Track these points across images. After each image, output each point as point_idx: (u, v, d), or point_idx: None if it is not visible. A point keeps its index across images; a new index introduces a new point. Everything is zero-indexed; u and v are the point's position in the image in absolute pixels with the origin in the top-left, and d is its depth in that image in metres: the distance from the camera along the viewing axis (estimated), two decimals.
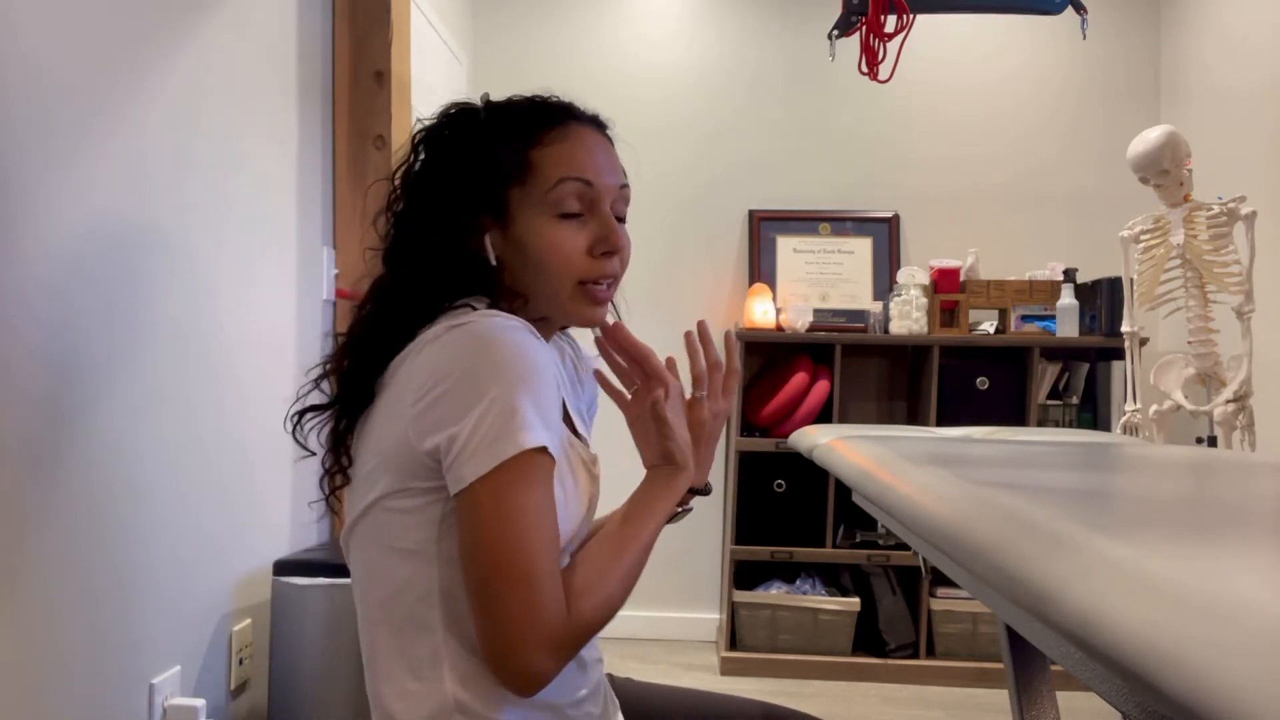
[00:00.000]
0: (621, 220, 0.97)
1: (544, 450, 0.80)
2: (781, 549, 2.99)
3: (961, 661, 2.92)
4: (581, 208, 0.93)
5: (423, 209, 0.94)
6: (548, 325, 0.98)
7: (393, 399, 0.86)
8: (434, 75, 2.86)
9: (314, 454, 0.98)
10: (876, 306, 3.17)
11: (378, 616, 0.90)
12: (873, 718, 2.63)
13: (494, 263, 0.93)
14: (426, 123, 0.98)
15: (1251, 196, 2.25)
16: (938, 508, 0.73)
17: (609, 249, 0.93)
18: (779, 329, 3.05)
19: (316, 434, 0.98)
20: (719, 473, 3.29)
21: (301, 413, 0.97)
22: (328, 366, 0.97)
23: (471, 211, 0.92)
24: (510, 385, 0.79)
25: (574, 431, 0.98)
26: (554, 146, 0.93)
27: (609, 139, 0.98)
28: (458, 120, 0.96)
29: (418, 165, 0.96)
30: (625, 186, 0.97)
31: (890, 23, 2.15)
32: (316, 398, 0.97)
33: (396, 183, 0.97)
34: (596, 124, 0.98)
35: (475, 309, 0.88)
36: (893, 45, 2.16)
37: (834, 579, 3.11)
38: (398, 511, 0.86)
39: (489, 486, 0.78)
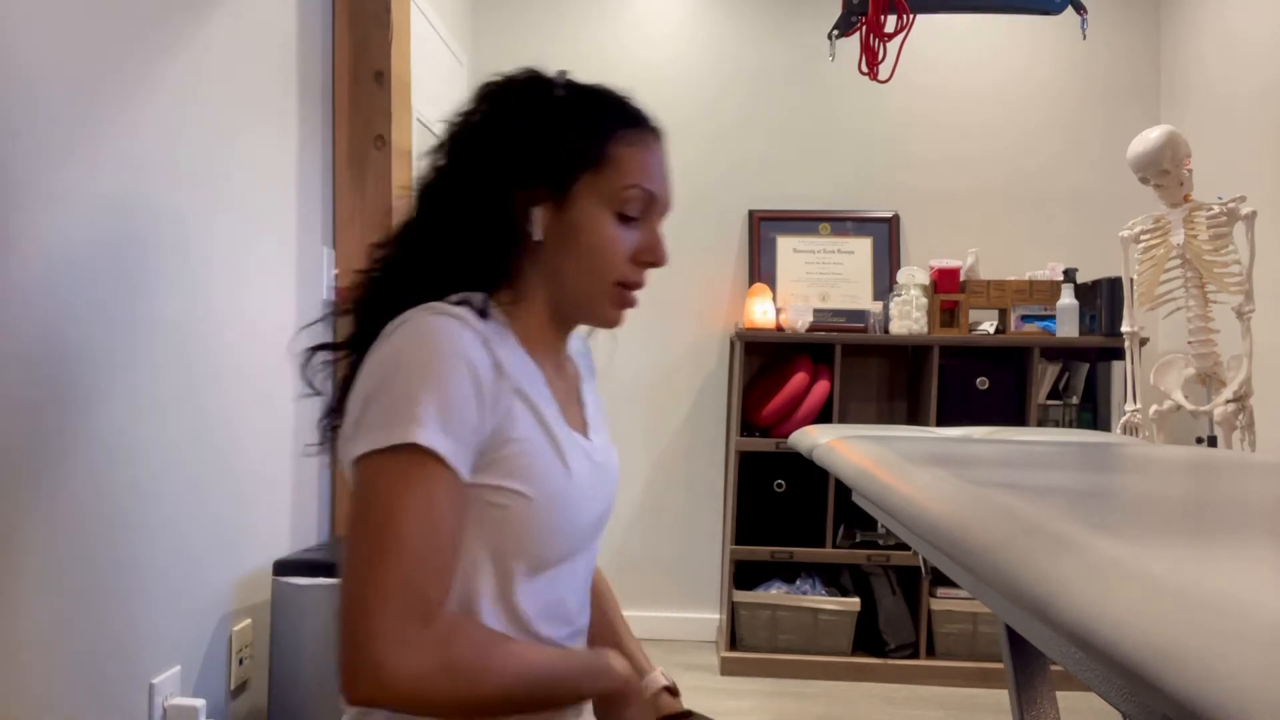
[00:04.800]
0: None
1: (432, 453, 0.77)
2: (781, 549, 2.99)
3: (961, 661, 2.92)
4: (637, 214, 0.94)
5: (477, 164, 0.91)
6: (561, 321, 0.98)
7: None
8: (434, 75, 2.86)
9: (320, 394, 0.95)
10: (876, 306, 3.17)
11: None
12: (873, 718, 2.63)
13: (537, 238, 0.92)
14: (496, 79, 0.96)
15: (1251, 196, 2.25)
16: (938, 508, 0.73)
17: (652, 260, 0.96)
18: (779, 329, 3.05)
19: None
20: (720, 473, 3.29)
21: (315, 349, 0.95)
22: (350, 304, 0.95)
23: (530, 181, 0.91)
24: (419, 381, 0.78)
25: (574, 425, 0.97)
26: (633, 149, 0.94)
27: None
28: (533, 86, 0.95)
29: (478, 118, 0.94)
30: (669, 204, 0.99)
31: (890, 23, 2.16)
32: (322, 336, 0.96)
33: (452, 128, 0.95)
34: (660, 138, 0.99)
35: (460, 304, 0.86)
36: (893, 45, 2.16)
37: (834, 579, 3.11)
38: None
39: (370, 466, 0.78)
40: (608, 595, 1.12)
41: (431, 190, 0.94)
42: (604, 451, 0.99)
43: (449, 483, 0.79)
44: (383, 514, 0.76)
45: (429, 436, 0.77)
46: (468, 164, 0.92)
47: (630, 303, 0.97)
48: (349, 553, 0.77)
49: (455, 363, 0.80)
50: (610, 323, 0.97)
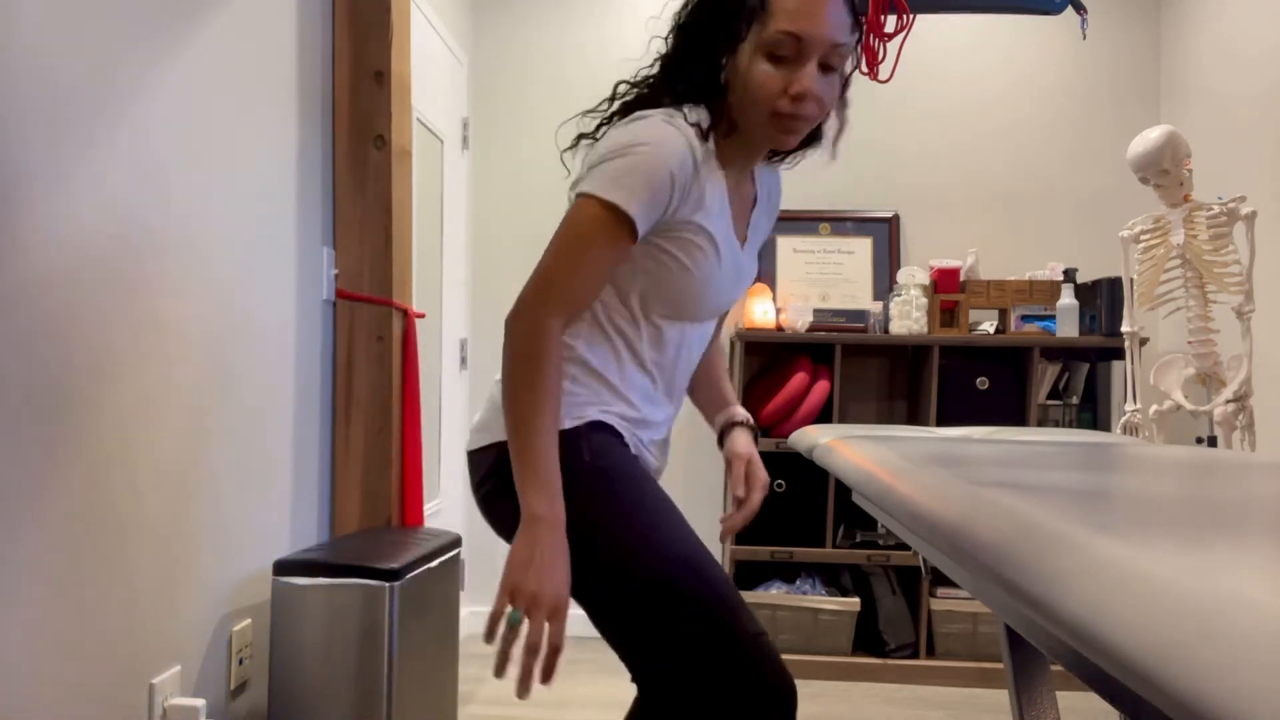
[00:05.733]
0: (831, 69, 1.14)
1: (628, 219, 1.08)
2: (781, 549, 2.99)
3: (961, 661, 2.92)
4: (790, 55, 1.11)
5: (687, 25, 1.18)
6: (752, 148, 1.22)
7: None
8: (434, 75, 2.86)
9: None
10: (876, 306, 3.17)
11: None
12: (873, 718, 2.63)
13: (725, 79, 1.15)
14: None
15: (1251, 196, 2.25)
16: (938, 508, 0.73)
17: (797, 93, 1.11)
18: (779, 329, 3.05)
19: None
20: (720, 472, 3.29)
21: (580, 137, 1.23)
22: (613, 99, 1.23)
23: (720, 37, 1.14)
24: (639, 165, 1.08)
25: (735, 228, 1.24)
26: (788, 1, 1.11)
27: None
28: None
29: None
30: (841, 45, 1.13)
31: (890, 23, 2.16)
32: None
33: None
34: None
35: (671, 111, 1.14)
36: (892, 45, 2.16)
37: (834, 579, 3.11)
38: None
39: (587, 202, 1.09)
40: (716, 353, 1.46)
41: (667, 42, 1.21)
42: (749, 262, 1.29)
43: (625, 242, 1.10)
44: (581, 238, 1.09)
45: (631, 207, 1.08)
46: (683, 25, 1.19)
47: (785, 128, 1.14)
48: (553, 244, 1.10)
49: (667, 162, 1.09)
50: (778, 145, 1.17)
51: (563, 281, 1.09)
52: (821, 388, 2.96)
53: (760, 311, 3.08)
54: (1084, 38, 2.38)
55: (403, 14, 2.22)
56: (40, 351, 1.26)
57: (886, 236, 3.26)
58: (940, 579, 2.96)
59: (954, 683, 2.89)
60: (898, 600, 3.01)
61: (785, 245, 3.26)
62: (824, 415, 2.99)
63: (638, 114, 1.14)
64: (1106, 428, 2.94)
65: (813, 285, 3.24)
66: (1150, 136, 2.27)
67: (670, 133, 1.10)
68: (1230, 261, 2.21)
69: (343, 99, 2.15)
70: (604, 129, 1.19)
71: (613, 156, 1.10)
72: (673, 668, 1.09)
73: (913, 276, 3.03)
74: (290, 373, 1.98)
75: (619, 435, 1.21)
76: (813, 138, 1.29)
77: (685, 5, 1.20)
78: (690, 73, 1.16)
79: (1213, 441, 2.37)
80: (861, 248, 3.25)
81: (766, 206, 1.36)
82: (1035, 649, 1.25)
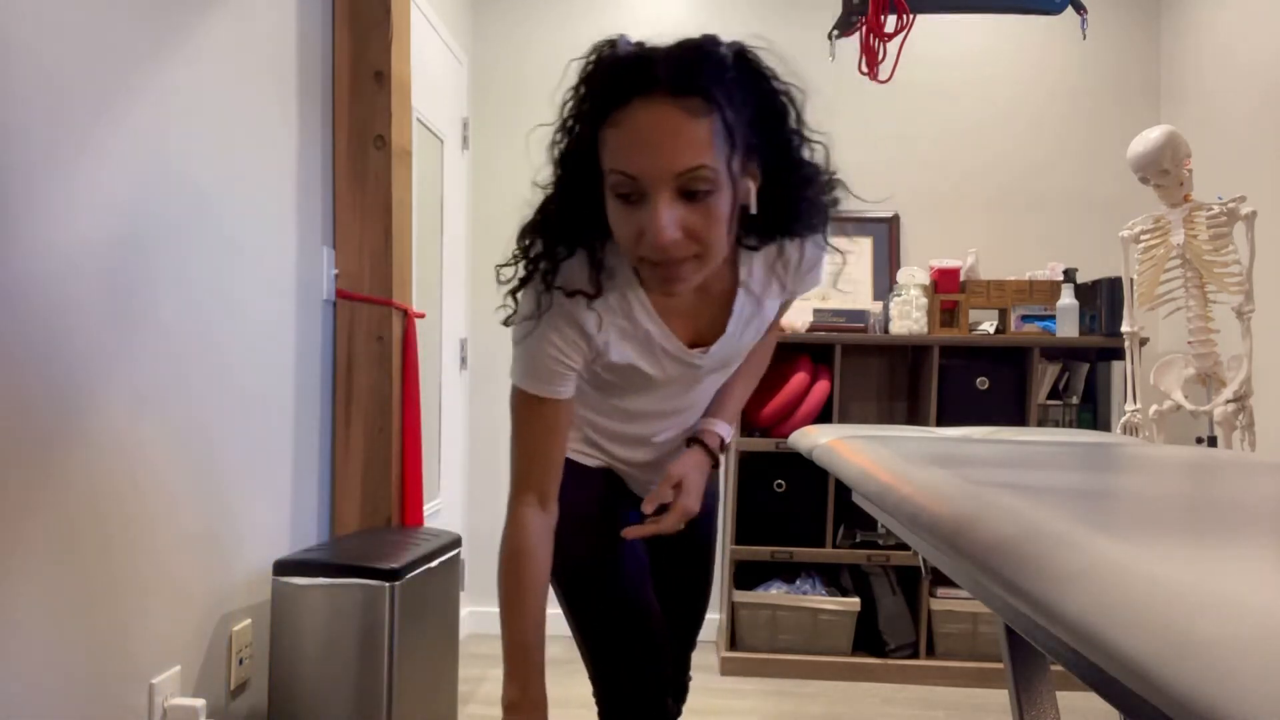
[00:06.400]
0: (695, 197, 0.93)
1: (542, 398, 1.10)
2: (781, 549, 2.99)
3: (961, 661, 2.92)
4: (634, 193, 0.93)
5: (560, 162, 1.03)
6: None
7: None
8: (434, 75, 2.86)
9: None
10: (876, 306, 3.17)
11: None
12: (873, 718, 2.63)
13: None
14: (580, 62, 1.03)
15: (1251, 197, 2.25)
16: (938, 508, 0.73)
17: (650, 242, 0.94)
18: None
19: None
20: (719, 472, 3.29)
21: (500, 267, 1.15)
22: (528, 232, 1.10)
23: (585, 172, 0.99)
24: (527, 350, 1.08)
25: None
26: (613, 131, 0.93)
27: (690, 106, 0.92)
28: (580, 74, 1.01)
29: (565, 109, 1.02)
30: (697, 168, 0.91)
31: (890, 23, 2.16)
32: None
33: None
34: (674, 90, 0.93)
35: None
36: (893, 45, 2.17)
37: (834, 579, 3.11)
38: None
39: (513, 390, 1.13)
40: (740, 372, 1.35)
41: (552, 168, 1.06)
42: (710, 356, 1.17)
43: (557, 406, 1.12)
44: (519, 427, 1.13)
45: (543, 390, 1.10)
46: (556, 158, 1.04)
47: (665, 276, 0.97)
48: (511, 439, 1.14)
49: (549, 344, 1.07)
50: (665, 293, 1.05)
51: (523, 469, 1.13)
52: (821, 388, 2.96)
53: None
54: (1084, 38, 2.37)
55: (403, 14, 2.22)
56: (40, 351, 1.26)
57: (886, 236, 3.26)
58: (940, 579, 2.96)
59: (954, 683, 2.89)
60: (898, 600, 3.01)
61: None
62: (824, 415, 2.99)
63: (528, 282, 1.07)
64: (1106, 428, 2.94)
65: None
66: (1150, 136, 2.27)
67: (543, 315, 1.06)
68: (1230, 261, 2.21)
69: (343, 99, 2.15)
70: (519, 282, 1.09)
71: (517, 342, 1.11)
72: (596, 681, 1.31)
73: (913, 276, 3.03)
74: (290, 373, 1.98)
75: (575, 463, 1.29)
76: (778, 226, 1.06)
77: (555, 130, 1.03)
78: (570, 215, 1.02)
79: (1213, 441, 2.37)
80: (861, 248, 3.25)
81: (760, 290, 1.16)
82: (1035, 649, 1.25)
